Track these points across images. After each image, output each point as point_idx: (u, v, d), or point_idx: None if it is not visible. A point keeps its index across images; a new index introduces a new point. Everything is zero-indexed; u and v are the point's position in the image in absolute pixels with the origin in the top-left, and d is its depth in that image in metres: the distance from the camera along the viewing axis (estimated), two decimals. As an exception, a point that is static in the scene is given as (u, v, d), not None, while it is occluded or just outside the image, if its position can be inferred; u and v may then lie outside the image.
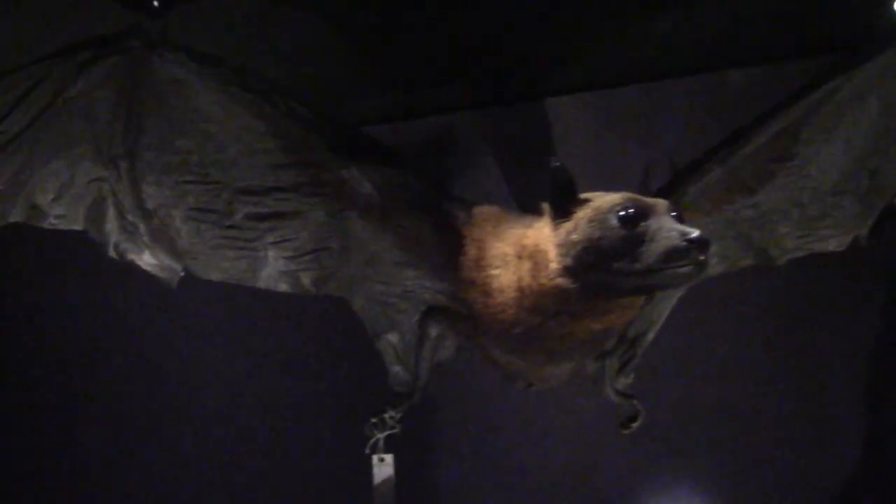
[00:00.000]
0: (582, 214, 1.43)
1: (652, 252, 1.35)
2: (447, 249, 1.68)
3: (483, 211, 1.68)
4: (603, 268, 1.39)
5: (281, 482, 2.58)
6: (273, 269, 1.78)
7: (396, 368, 1.92)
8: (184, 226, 1.73)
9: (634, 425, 1.95)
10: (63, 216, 1.70)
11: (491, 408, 2.42)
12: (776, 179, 1.80)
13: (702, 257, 1.34)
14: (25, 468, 2.81)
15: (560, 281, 1.44)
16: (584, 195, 1.46)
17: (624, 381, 1.96)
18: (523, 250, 1.52)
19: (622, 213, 1.38)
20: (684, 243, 1.33)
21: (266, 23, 2.21)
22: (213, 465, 2.64)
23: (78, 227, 1.72)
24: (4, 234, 1.70)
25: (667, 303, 1.89)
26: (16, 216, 1.67)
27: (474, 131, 2.49)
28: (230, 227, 1.74)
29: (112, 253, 1.73)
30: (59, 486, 2.77)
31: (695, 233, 1.34)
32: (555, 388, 1.99)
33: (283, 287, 1.80)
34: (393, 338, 1.90)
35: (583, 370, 1.95)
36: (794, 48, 2.21)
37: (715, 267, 1.83)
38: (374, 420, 1.87)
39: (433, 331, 1.85)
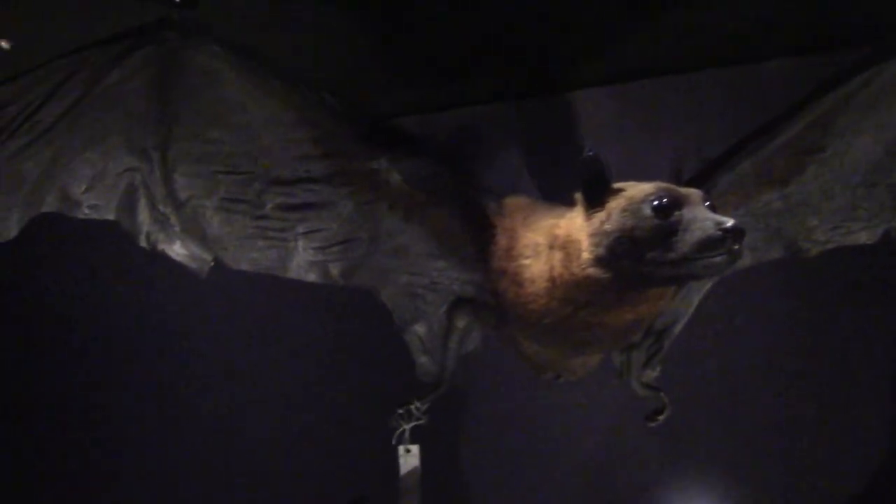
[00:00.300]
0: (615, 204, 1.42)
1: (686, 242, 1.34)
2: (477, 240, 1.68)
3: (514, 201, 1.68)
4: (636, 257, 1.38)
5: (307, 473, 2.59)
6: (302, 260, 1.78)
7: (423, 359, 1.92)
8: (215, 216, 1.74)
9: (661, 418, 1.95)
10: (95, 206, 1.71)
11: (517, 399, 2.42)
12: (807, 171, 1.78)
13: (736, 247, 1.33)
14: (49, 457, 2.83)
15: (592, 271, 1.43)
16: (617, 185, 1.45)
17: (650, 374, 1.96)
18: (555, 240, 1.51)
19: (656, 202, 1.37)
20: (719, 233, 1.32)
21: (289, 16, 2.22)
22: (239, 456, 2.65)
23: (110, 217, 1.72)
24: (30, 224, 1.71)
25: (695, 295, 1.88)
26: (49, 206, 1.68)
27: (500, 124, 2.49)
28: (261, 217, 1.74)
29: (143, 243, 1.74)
30: (82, 474, 2.79)
31: (729, 222, 1.32)
32: (581, 381, 1.99)
33: (312, 277, 1.81)
34: (420, 329, 1.90)
35: (609, 362, 1.95)
36: (823, 39, 2.20)
37: (744, 260, 1.81)
38: (400, 411, 1.88)
39: (460, 322, 1.86)
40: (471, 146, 2.48)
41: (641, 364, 1.94)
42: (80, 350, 2.84)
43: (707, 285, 1.88)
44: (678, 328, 1.92)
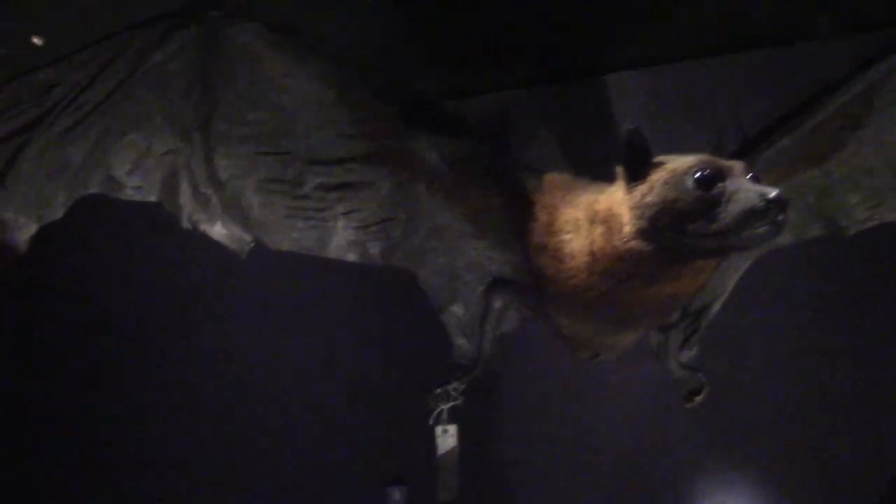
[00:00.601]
0: (657, 177, 1.42)
1: (729, 213, 1.34)
2: (515, 219, 1.69)
3: (553, 178, 1.68)
4: (678, 229, 1.38)
5: (345, 453, 2.60)
6: (342, 239, 1.80)
7: (460, 341, 1.93)
8: (255, 196, 1.75)
9: (698, 399, 1.94)
10: (139, 187, 1.73)
11: (554, 380, 2.41)
12: (847, 148, 1.77)
13: (780, 217, 1.32)
14: (88, 438, 2.88)
15: (634, 243, 1.43)
16: (658, 158, 1.45)
17: (688, 354, 1.95)
18: (596, 215, 1.52)
19: (698, 174, 1.37)
20: (762, 203, 1.31)
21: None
22: (277, 435, 2.67)
23: (153, 198, 1.74)
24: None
25: (733, 274, 1.88)
26: (94, 187, 1.71)
27: (534, 108, 2.49)
28: (301, 197, 1.76)
29: (185, 224, 1.76)
30: (129, 452, 2.83)
31: (773, 192, 1.31)
32: (619, 361, 1.98)
33: (351, 257, 1.82)
34: (457, 310, 1.91)
35: (646, 343, 1.95)
36: (864, 19, 2.17)
37: (783, 237, 1.81)
38: (437, 391, 1.89)
39: (497, 303, 1.87)
40: (507, 129, 2.47)
41: (679, 344, 1.94)
42: (118, 331, 2.87)
43: (746, 264, 1.87)
44: (716, 308, 1.91)
